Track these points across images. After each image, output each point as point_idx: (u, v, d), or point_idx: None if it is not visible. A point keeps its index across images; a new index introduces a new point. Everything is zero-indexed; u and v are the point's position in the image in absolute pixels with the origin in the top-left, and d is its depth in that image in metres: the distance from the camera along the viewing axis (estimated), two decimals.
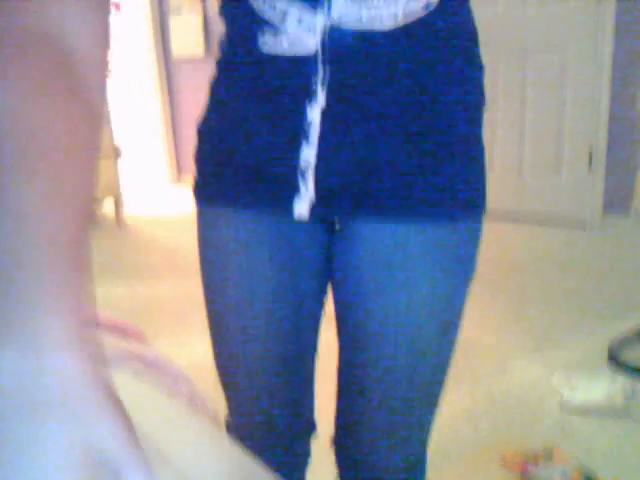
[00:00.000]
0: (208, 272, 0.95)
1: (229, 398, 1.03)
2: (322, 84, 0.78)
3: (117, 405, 0.39)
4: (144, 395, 0.79)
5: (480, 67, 0.90)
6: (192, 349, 2.47)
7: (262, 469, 0.63)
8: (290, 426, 1.02)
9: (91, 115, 0.49)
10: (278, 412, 0.99)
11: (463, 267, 0.91)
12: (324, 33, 0.76)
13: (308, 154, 0.80)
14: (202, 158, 0.91)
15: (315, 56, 0.77)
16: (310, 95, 0.78)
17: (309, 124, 0.79)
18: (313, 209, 0.84)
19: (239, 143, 0.85)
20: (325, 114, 0.79)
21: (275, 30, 0.77)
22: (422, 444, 1.00)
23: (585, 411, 1.94)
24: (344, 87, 0.78)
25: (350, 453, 1.00)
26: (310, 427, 1.07)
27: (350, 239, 0.86)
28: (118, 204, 4.31)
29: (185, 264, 3.42)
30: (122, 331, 1.02)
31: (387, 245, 0.83)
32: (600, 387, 2.01)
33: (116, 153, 4.30)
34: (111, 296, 3.06)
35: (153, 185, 5.40)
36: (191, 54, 4.89)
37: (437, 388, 0.97)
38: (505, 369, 2.22)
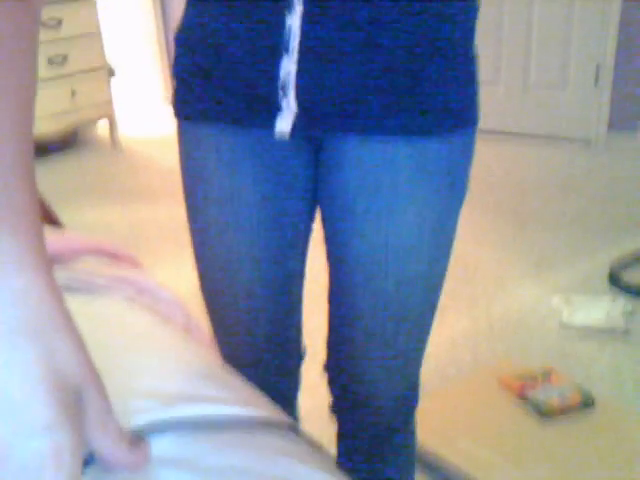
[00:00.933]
0: (190, 191, 0.92)
1: (215, 325, 1.00)
2: None
3: (74, 329, 0.42)
4: (135, 322, 0.77)
5: None
6: (190, 274, 2.46)
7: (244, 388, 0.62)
8: (277, 354, 0.99)
9: (33, 18, 0.46)
10: (264, 339, 0.96)
11: (454, 187, 0.85)
12: None
13: (288, 65, 0.75)
14: (180, 71, 0.86)
15: None
16: (290, 4, 0.72)
17: (288, 32, 0.74)
18: (296, 126, 0.79)
19: (217, 56, 0.80)
20: (306, 20, 0.73)
21: None
22: (414, 372, 0.98)
23: (584, 332, 1.95)
24: None
25: (342, 379, 0.98)
26: (298, 355, 1.04)
27: (337, 159, 0.82)
28: (112, 125, 4.23)
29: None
30: (115, 256, 1.00)
31: (376, 165, 0.80)
32: (600, 308, 2.01)
33: (109, 73, 4.18)
34: (107, 220, 3.03)
35: (148, 105, 5.29)
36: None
37: (428, 314, 0.94)
38: (505, 290, 2.21)
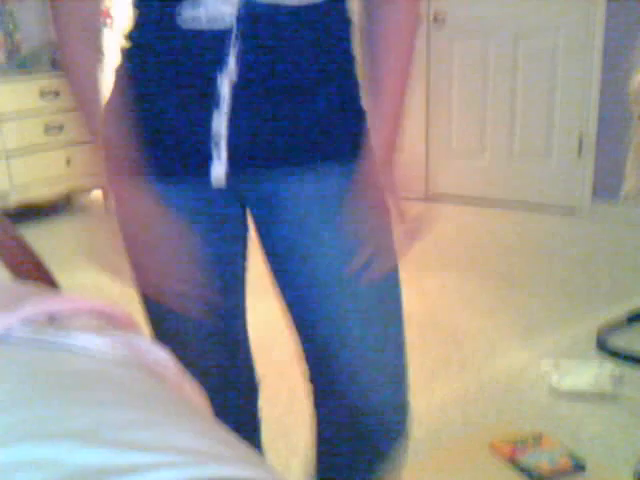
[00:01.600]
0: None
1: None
2: (234, 56, 0.86)
3: None
4: (131, 380, 0.79)
5: (352, 55, 0.97)
6: None
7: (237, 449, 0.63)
8: (229, 389, 1.08)
9: None
10: (216, 379, 1.05)
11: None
12: (239, 4, 0.84)
13: (219, 124, 0.88)
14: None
15: (230, 30, 0.85)
16: (222, 66, 0.86)
17: (219, 95, 0.87)
18: (229, 175, 0.90)
19: (152, 117, 0.92)
20: (235, 86, 0.87)
21: (194, 2, 0.84)
22: (399, 386, 1.06)
23: (573, 397, 1.96)
24: (254, 60, 0.87)
25: (324, 393, 1.05)
26: (252, 388, 1.15)
27: (269, 201, 0.95)
28: (107, 194, 4.28)
29: None
30: (111, 316, 1.02)
31: (306, 197, 0.94)
32: (588, 373, 2.02)
33: None
34: (99, 282, 3.04)
35: None
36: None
37: (394, 319, 1.11)
38: (494, 355, 2.23)
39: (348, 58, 0.96)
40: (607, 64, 3.43)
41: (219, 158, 0.89)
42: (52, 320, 0.90)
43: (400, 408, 1.04)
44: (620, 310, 2.46)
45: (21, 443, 0.55)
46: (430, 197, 4.17)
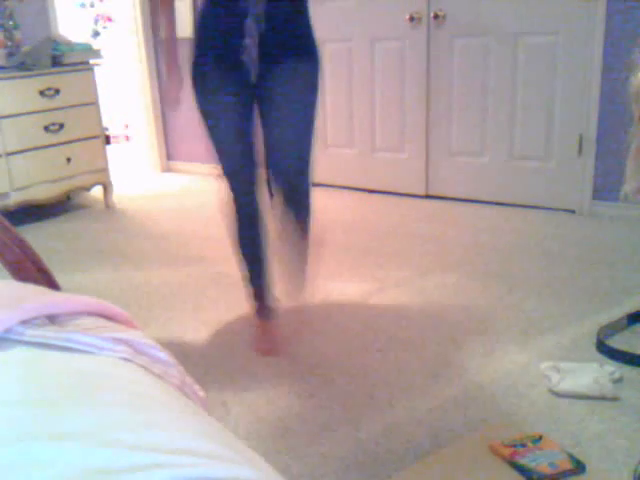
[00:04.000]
0: (204, 107, 2.14)
1: (220, 160, 2.16)
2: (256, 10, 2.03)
3: None
4: (132, 381, 0.79)
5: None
6: (182, 336, 2.46)
7: (233, 448, 0.63)
8: (244, 159, 2.16)
9: None
10: (240, 158, 2.16)
11: (315, 82, 2.14)
12: None
13: (249, 42, 2.04)
14: (195, 48, 2.14)
15: None
16: (247, 15, 2.02)
17: (247, 27, 2.03)
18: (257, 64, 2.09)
19: (214, 41, 2.10)
20: (254, 23, 2.03)
21: None
22: (305, 155, 2.16)
23: (573, 397, 1.96)
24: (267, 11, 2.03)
25: (274, 166, 2.16)
26: (255, 163, 2.17)
27: (269, 77, 2.09)
28: (107, 192, 4.29)
29: (174, 251, 3.41)
30: (112, 317, 1.02)
31: (286, 74, 2.09)
32: (588, 374, 2.02)
33: (104, 140, 4.27)
34: (98, 283, 3.04)
35: (142, 172, 5.36)
36: (179, 36, 4.83)
37: (307, 129, 2.14)
38: (494, 355, 2.23)
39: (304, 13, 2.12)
40: (607, 64, 3.43)
41: (250, 57, 2.06)
42: (52, 320, 0.90)
43: (306, 171, 2.17)
44: (620, 310, 2.46)
45: (22, 443, 0.55)
46: (430, 197, 4.17)
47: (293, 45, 2.08)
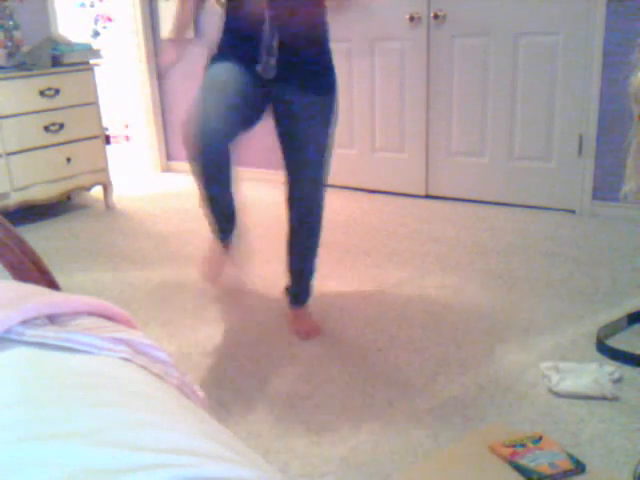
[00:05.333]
0: (208, 75, 2.14)
1: (197, 120, 1.99)
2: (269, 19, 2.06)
3: None
4: (132, 381, 0.79)
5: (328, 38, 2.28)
6: (181, 336, 2.46)
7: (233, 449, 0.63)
8: (226, 134, 2.01)
9: None
10: (222, 125, 2.00)
11: (330, 117, 2.25)
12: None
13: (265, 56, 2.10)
14: (217, 49, 2.19)
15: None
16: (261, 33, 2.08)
17: (270, 47, 2.08)
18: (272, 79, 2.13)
19: (234, 52, 2.13)
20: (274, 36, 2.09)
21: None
22: (321, 176, 2.27)
23: (573, 397, 1.96)
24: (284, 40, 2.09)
25: (294, 190, 2.28)
26: (232, 136, 2.06)
27: (282, 98, 2.17)
28: (106, 191, 4.29)
29: (174, 251, 3.41)
30: (111, 317, 1.02)
31: (302, 103, 2.18)
32: (588, 373, 2.02)
33: (104, 140, 4.27)
34: (98, 283, 3.04)
35: (142, 172, 5.37)
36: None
37: (324, 157, 2.26)
38: (494, 355, 2.23)
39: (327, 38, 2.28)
40: (607, 64, 3.43)
41: (269, 66, 2.10)
42: (52, 320, 0.90)
43: (320, 195, 2.29)
44: (620, 310, 2.46)
45: (22, 443, 0.55)
46: (430, 197, 4.17)
47: (312, 82, 2.18)
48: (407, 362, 2.20)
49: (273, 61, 2.08)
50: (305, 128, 2.19)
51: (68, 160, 4.00)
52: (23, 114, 3.76)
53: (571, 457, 1.64)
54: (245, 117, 2.11)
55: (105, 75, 5.91)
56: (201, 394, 0.98)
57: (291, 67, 2.10)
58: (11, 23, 3.93)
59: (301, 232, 2.35)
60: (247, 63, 2.09)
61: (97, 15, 6.29)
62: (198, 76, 2.20)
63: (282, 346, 2.37)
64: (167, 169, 5.39)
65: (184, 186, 4.84)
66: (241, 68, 2.10)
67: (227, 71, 2.09)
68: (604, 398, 1.94)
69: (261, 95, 2.15)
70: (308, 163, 2.22)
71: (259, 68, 2.08)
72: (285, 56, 2.08)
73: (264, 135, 2.35)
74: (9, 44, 3.91)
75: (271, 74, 2.10)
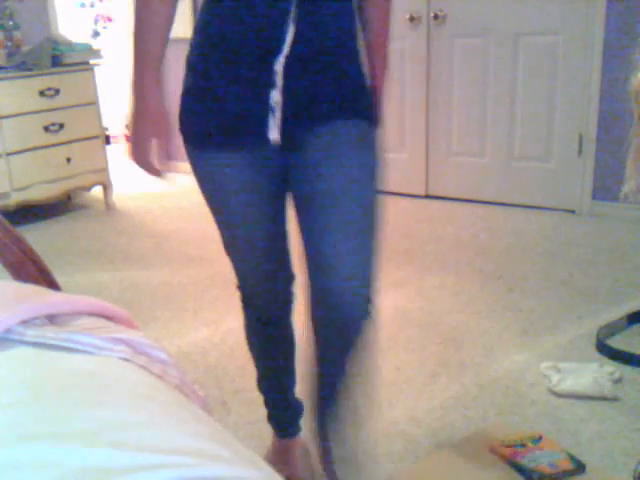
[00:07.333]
0: (210, 198, 1.40)
1: (236, 270, 1.50)
2: (292, 33, 1.18)
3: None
4: (132, 381, 0.79)
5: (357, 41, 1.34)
6: (182, 336, 2.46)
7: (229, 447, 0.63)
8: (276, 277, 1.48)
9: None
10: (267, 268, 1.46)
11: (372, 152, 1.31)
12: None
13: (276, 96, 1.23)
14: (187, 110, 1.36)
15: (288, 12, 1.18)
16: (279, 44, 1.19)
17: (275, 73, 1.21)
18: (282, 132, 1.25)
19: (216, 97, 1.27)
20: (286, 64, 1.20)
21: None
22: (368, 282, 1.31)
23: (573, 397, 1.96)
24: (307, 37, 1.20)
25: (316, 294, 1.34)
26: (291, 277, 1.51)
27: (302, 149, 1.27)
28: (107, 191, 4.29)
29: (174, 251, 3.41)
30: (112, 317, 1.02)
31: (325, 144, 1.26)
32: (588, 373, 2.02)
33: (104, 140, 4.27)
34: (101, 281, 3.04)
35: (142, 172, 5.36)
36: (178, 36, 4.84)
37: (371, 223, 1.30)
38: (494, 355, 2.23)
39: (355, 42, 1.32)
40: (607, 64, 3.43)
41: (274, 121, 1.25)
42: (52, 320, 0.90)
43: (368, 299, 1.32)
44: (620, 310, 2.46)
45: (22, 443, 0.55)
46: (430, 197, 4.17)
47: (340, 99, 1.28)
48: (407, 362, 2.20)
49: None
50: (331, 175, 1.26)
51: (68, 160, 4.00)
52: (23, 114, 3.76)
53: (571, 457, 1.64)
54: (279, 241, 1.45)
55: (105, 75, 5.90)
56: (201, 394, 0.98)
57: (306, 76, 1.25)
58: (11, 23, 3.93)
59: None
60: (249, 128, 1.27)
61: (97, 15, 6.29)
62: None
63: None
64: (167, 169, 5.39)
65: (184, 186, 4.84)
66: (246, 171, 1.32)
67: (236, 209, 1.38)
68: (604, 398, 1.94)
69: (277, 182, 1.36)
70: (340, 245, 1.26)
71: (271, 135, 1.27)
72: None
73: None
74: (9, 44, 3.91)
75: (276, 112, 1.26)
